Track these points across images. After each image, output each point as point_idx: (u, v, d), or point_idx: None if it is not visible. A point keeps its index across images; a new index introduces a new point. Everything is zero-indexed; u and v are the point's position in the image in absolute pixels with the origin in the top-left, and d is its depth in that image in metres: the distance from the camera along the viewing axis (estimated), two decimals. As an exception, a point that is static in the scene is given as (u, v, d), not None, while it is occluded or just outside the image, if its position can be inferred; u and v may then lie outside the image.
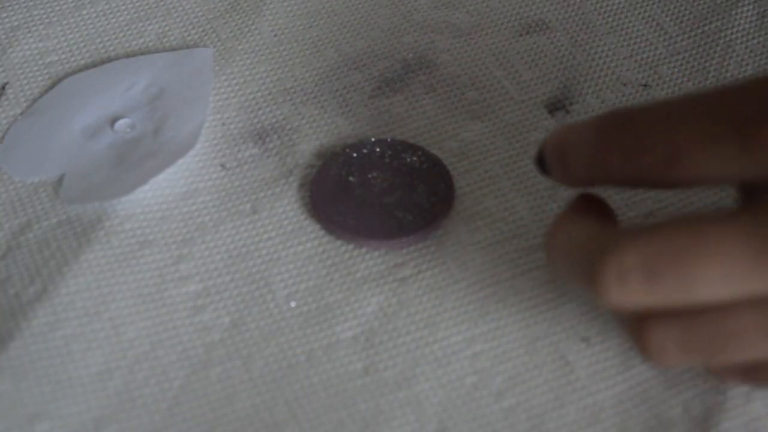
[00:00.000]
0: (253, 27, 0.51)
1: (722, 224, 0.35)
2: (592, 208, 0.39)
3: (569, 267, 0.37)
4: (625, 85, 0.49)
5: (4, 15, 0.51)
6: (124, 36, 0.51)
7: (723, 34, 0.50)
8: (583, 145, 0.38)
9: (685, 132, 0.36)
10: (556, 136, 0.39)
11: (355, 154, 0.46)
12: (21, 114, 0.48)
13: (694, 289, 0.35)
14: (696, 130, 0.36)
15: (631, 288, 0.35)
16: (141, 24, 0.51)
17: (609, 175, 0.38)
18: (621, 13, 0.51)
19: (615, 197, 0.44)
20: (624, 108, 0.38)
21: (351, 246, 0.44)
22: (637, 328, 0.36)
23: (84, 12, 0.51)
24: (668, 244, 0.35)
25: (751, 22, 0.51)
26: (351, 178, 0.45)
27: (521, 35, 0.50)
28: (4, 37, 0.50)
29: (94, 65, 0.49)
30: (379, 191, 0.45)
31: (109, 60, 0.50)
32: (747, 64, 0.49)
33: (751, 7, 0.51)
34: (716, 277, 0.34)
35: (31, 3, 0.52)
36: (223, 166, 0.46)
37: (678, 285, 0.35)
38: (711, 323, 0.35)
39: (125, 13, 0.52)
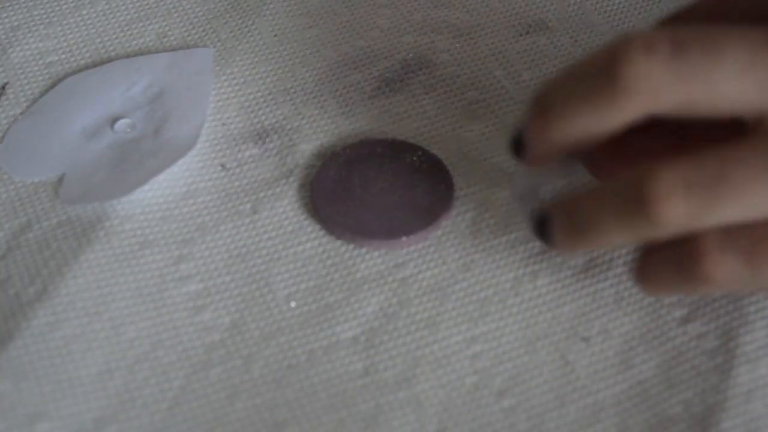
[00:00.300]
0: (253, 27, 0.51)
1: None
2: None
3: (606, 219, 0.37)
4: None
5: (5, 15, 0.51)
6: (124, 36, 0.51)
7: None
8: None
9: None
10: (536, 99, 0.39)
11: (355, 154, 0.46)
12: (21, 114, 0.48)
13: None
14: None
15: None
16: (141, 24, 0.51)
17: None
18: (621, 13, 0.51)
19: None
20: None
21: (351, 246, 0.44)
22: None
23: (84, 12, 0.51)
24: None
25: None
26: (351, 179, 0.45)
27: (521, 35, 0.51)
28: (4, 36, 0.50)
29: (94, 65, 0.49)
30: (379, 191, 0.45)
31: (110, 60, 0.50)
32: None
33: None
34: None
35: (32, 3, 0.52)
36: (223, 166, 0.46)
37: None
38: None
39: (125, 13, 0.52)
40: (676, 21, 0.41)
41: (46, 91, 0.48)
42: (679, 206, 0.35)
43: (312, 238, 0.44)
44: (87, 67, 0.49)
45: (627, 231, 0.37)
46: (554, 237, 0.39)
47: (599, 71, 0.36)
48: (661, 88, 0.36)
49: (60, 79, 0.49)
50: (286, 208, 0.45)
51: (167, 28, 0.51)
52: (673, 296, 0.42)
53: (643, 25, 0.51)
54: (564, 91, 0.38)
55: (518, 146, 0.40)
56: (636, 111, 0.36)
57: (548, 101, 0.38)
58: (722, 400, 0.40)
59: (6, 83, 0.49)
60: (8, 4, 0.52)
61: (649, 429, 0.39)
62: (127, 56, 0.50)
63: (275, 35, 0.51)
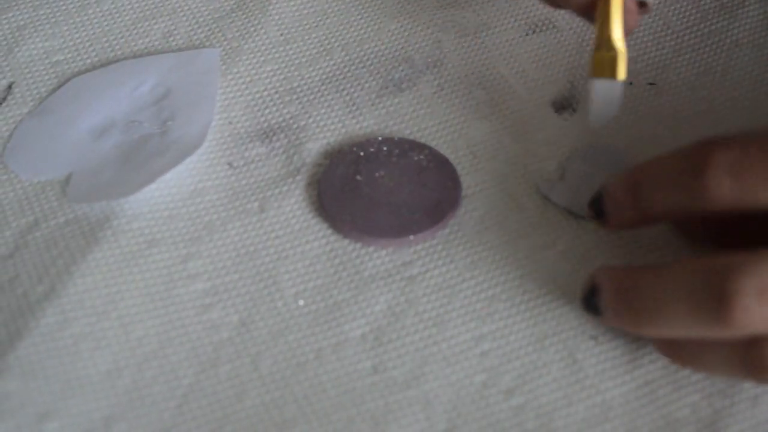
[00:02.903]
0: (260, 26, 0.51)
1: None
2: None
3: (675, 303, 0.37)
4: (631, 83, 0.49)
5: (11, 14, 0.51)
6: (130, 35, 0.51)
7: (729, 33, 0.50)
8: (673, 172, 0.38)
9: None
10: (623, 175, 0.40)
11: (362, 153, 0.46)
12: (28, 113, 0.48)
13: None
14: None
15: None
16: (147, 23, 0.51)
17: (705, 199, 0.37)
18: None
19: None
20: (724, 134, 0.37)
21: (358, 245, 0.44)
22: (758, 343, 0.36)
23: (90, 11, 0.51)
24: None
25: (757, 20, 0.51)
26: (358, 177, 0.45)
27: (528, 34, 0.51)
28: (10, 36, 0.50)
29: (100, 64, 0.49)
30: (387, 190, 0.45)
31: (116, 59, 0.50)
32: (753, 63, 0.49)
33: (757, 5, 0.51)
34: None
35: (37, 2, 0.52)
36: (230, 165, 0.46)
37: None
38: None
39: (131, 12, 0.52)
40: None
41: (53, 90, 0.48)
42: (758, 312, 0.35)
43: (319, 237, 0.44)
44: (93, 67, 0.49)
45: (696, 327, 0.37)
46: (603, 312, 0.40)
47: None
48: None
49: (66, 79, 0.49)
50: (293, 206, 0.45)
51: (173, 27, 0.51)
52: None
53: (650, 23, 0.51)
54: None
55: None
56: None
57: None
58: (729, 404, 0.40)
59: (12, 83, 0.49)
60: (14, 3, 0.52)
61: (657, 430, 0.39)
62: (133, 55, 0.50)
63: (281, 35, 0.51)
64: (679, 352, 0.39)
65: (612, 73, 0.44)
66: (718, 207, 0.38)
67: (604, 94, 0.44)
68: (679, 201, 0.38)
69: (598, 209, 0.42)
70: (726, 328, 0.35)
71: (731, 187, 0.37)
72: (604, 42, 0.43)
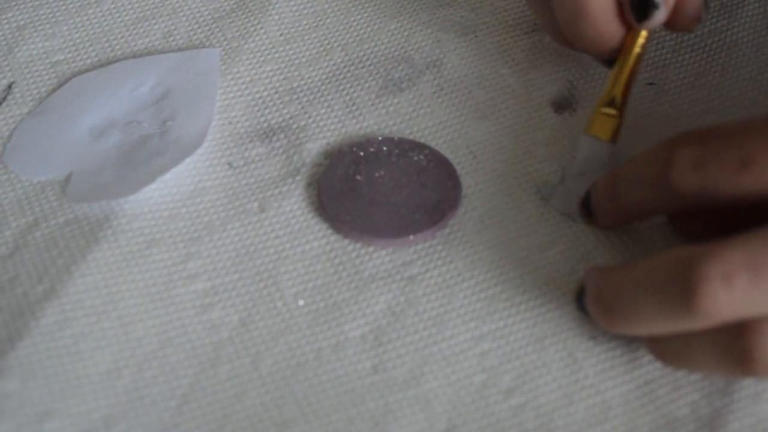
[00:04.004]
0: (260, 26, 0.51)
1: None
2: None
3: (645, 297, 0.37)
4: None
5: (11, 14, 0.51)
6: (130, 35, 0.51)
7: (729, 32, 0.50)
8: (643, 167, 0.39)
9: (754, 137, 0.36)
10: (608, 175, 0.41)
11: (362, 153, 0.46)
12: (28, 113, 0.48)
13: None
14: (765, 135, 0.36)
15: (738, 290, 0.35)
16: (147, 23, 0.51)
17: (670, 193, 0.38)
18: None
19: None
20: (687, 131, 0.38)
21: (358, 245, 0.44)
22: (739, 336, 0.36)
23: (90, 11, 0.51)
24: None
25: (756, 19, 0.51)
26: (358, 177, 0.45)
27: (527, 33, 0.51)
28: (10, 36, 0.50)
29: (100, 64, 0.49)
30: (387, 190, 0.45)
31: (116, 59, 0.50)
32: (752, 62, 0.49)
33: (756, 5, 0.51)
34: None
35: (37, 2, 0.52)
36: (230, 164, 0.46)
37: None
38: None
39: (131, 12, 0.52)
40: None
41: (53, 90, 0.49)
42: (724, 297, 0.35)
43: (319, 237, 0.44)
44: (93, 67, 0.49)
45: (667, 321, 0.37)
46: (588, 313, 0.40)
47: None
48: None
49: (66, 79, 0.49)
50: (293, 206, 0.45)
51: (173, 27, 0.51)
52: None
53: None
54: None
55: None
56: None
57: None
58: (729, 402, 0.40)
59: (12, 82, 0.49)
60: (14, 3, 0.52)
61: (657, 429, 0.39)
62: (133, 55, 0.50)
63: (281, 35, 0.51)
64: (666, 351, 0.39)
65: (605, 133, 0.44)
66: (685, 201, 0.38)
67: (592, 151, 0.44)
68: (650, 198, 0.39)
69: (588, 209, 0.42)
70: (694, 316, 0.36)
71: (694, 182, 0.38)
72: (610, 99, 0.44)
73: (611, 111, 0.44)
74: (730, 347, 0.37)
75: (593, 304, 0.39)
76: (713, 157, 0.37)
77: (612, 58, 0.45)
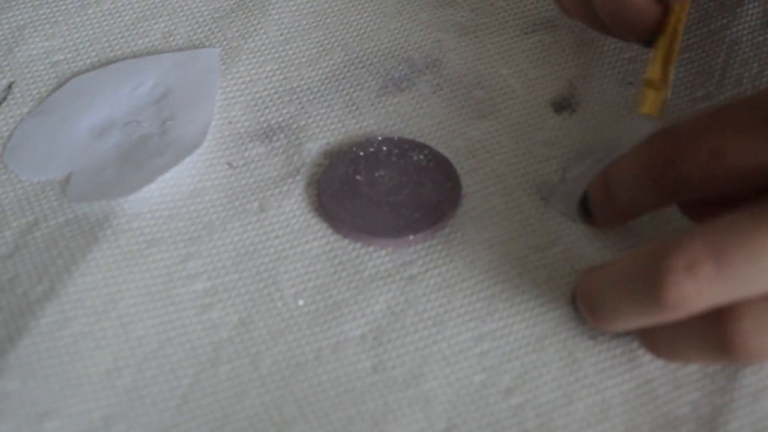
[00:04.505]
0: (259, 26, 0.51)
1: None
2: None
3: (619, 294, 0.37)
4: (631, 83, 0.49)
5: (11, 14, 0.51)
6: (129, 35, 0.51)
7: (728, 32, 0.50)
8: (629, 167, 0.40)
9: (726, 129, 0.37)
10: (599, 175, 0.42)
11: (362, 153, 0.46)
12: (28, 113, 0.48)
13: (763, 272, 0.35)
14: (735, 126, 0.37)
15: (703, 278, 0.35)
16: (147, 23, 0.51)
17: (653, 189, 0.39)
18: (626, 11, 0.51)
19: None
20: (664, 127, 0.39)
21: (358, 244, 0.44)
22: (721, 325, 0.36)
23: (90, 11, 0.51)
24: (734, 231, 0.35)
25: (756, 19, 0.51)
26: (358, 177, 0.45)
27: (527, 33, 0.51)
28: (10, 36, 0.51)
29: (100, 64, 0.49)
30: (386, 190, 0.45)
31: (116, 59, 0.50)
32: (752, 62, 0.49)
33: (756, 4, 0.51)
34: None
35: (37, 2, 0.52)
36: (230, 164, 0.46)
37: (750, 268, 0.35)
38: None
39: (131, 12, 0.52)
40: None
41: (53, 90, 0.49)
42: (691, 287, 0.36)
43: (319, 237, 0.44)
44: (93, 66, 0.49)
45: (641, 315, 0.37)
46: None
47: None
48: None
49: (66, 79, 0.49)
50: (293, 206, 0.45)
51: (173, 27, 0.51)
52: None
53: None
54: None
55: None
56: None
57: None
58: (729, 401, 0.40)
59: (12, 82, 0.49)
60: (14, 3, 0.52)
61: (657, 428, 0.39)
62: (133, 55, 0.50)
63: (281, 34, 0.51)
64: (656, 344, 0.40)
65: (656, 111, 0.45)
66: (672, 198, 0.39)
67: (645, 130, 0.44)
68: (641, 196, 0.40)
69: (586, 209, 0.43)
70: (666, 309, 0.36)
71: (671, 178, 0.38)
72: (661, 81, 0.45)
73: (662, 92, 0.45)
74: (711, 336, 0.37)
75: (580, 305, 0.40)
76: (685, 152, 0.38)
77: (649, 38, 0.45)
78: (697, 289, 0.35)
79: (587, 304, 0.39)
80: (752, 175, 0.37)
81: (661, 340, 0.39)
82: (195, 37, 0.51)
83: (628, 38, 0.46)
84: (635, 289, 0.37)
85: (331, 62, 0.50)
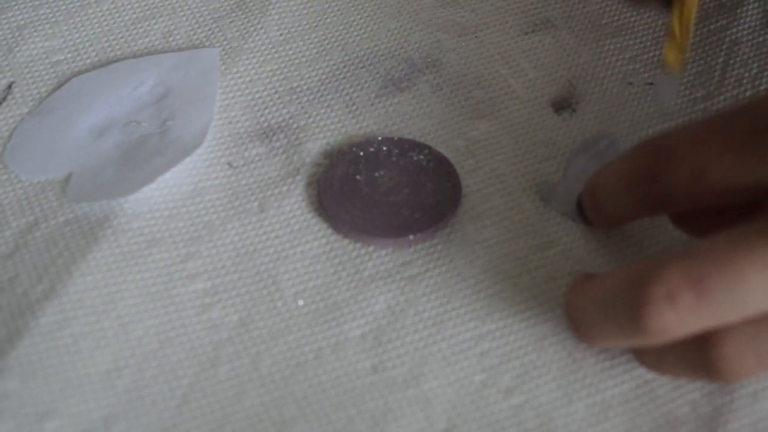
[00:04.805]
0: (259, 26, 0.51)
1: (761, 228, 0.35)
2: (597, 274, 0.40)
3: (602, 316, 0.38)
4: (631, 83, 0.49)
5: (11, 14, 0.51)
6: (130, 35, 0.51)
7: (728, 32, 0.50)
8: (613, 179, 0.40)
9: (708, 147, 0.37)
10: (588, 182, 0.42)
11: (361, 153, 0.46)
12: (28, 113, 0.48)
13: (748, 297, 0.35)
14: (717, 144, 0.37)
15: (683, 307, 0.35)
16: (147, 23, 0.51)
17: (638, 202, 0.39)
18: (626, 11, 0.51)
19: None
20: (648, 138, 0.39)
21: (358, 244, 0.44)
22: (704, 349, 0.36)
23: (90, 11, 0.51)
24: (712, 257, 0.35)
25: (756, 19, 0.51)
26: (358, 177, 0.45)
27: (527, 33, 0.51)
28: (10, 36, 0.50)
29: (100, 64, 0.49)
30: (386, 190, 0.45)
31: (116, 59, 0.50)
32: (752, 62, 0.49)
33: (756, 4, 0.51)
34: (763, 282, 0.35)
35: (37, 2, 0.52)
36: (230, 164, 0.46)
37: (730, 295, 0.35)
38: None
39: (131, 12, 0.52)
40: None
41: (53, 90, 0.49)
42: (672, 316, 0.36)
43: (319, 237, 0.44)
44: (93, 66, 0.49)
45: (623, 337, 0.38)
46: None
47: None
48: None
49: (66, 78, 0.49)
50: (293, 206, 0.45)
51: (173, 27, 0.51)
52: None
53: (648, 23, 0.51)
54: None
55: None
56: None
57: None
58: (729, 401, 0.40)
59: (12, 82, 0.49)
60: (14, 3, 0.52)
61: (657, 428, 0.39)
62: (133, 55, 0.50)
63: (281, 34, 0.51)
64: (646, 359, 0.40)
65: (677, 66, 0.46)
66: (656, 210, 0.40)
67: (670, 89, 0.46)
68: (626, 206, 0.40)
69: (582, 211, 0.43)
70: (646, 335, 0.36)
71: (654, 193, 0.39)
72: (680, 37, 0.45)
73: (683, 54, 0.46)
74: (694, 359, 0.37)
75: (567, 318, 0.40)
76: (667, 169, 0.38)
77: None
78: (677, 317, 0.35)
79: (572, 321, 0.39)
80: (734, 193, 0.37)
81: (648, 356, 0.40)
82: (195, 37, 0.51)
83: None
84: (617, 314, 0.37)
85: (331, 62, 0.50)
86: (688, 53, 0.46)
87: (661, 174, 0.38)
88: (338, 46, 0.50)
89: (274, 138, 0.47)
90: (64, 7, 0.52)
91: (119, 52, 0.50)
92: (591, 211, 0.42)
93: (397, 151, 0.46)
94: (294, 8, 0.52)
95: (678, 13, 0.45)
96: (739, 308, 0.35)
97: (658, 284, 0.35)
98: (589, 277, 0.40)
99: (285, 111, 0.48)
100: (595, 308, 0.38)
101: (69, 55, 0.50)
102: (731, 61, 0.49)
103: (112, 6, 0.52)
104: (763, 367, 0.37)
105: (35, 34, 0.51)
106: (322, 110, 0.48)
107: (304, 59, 0.50)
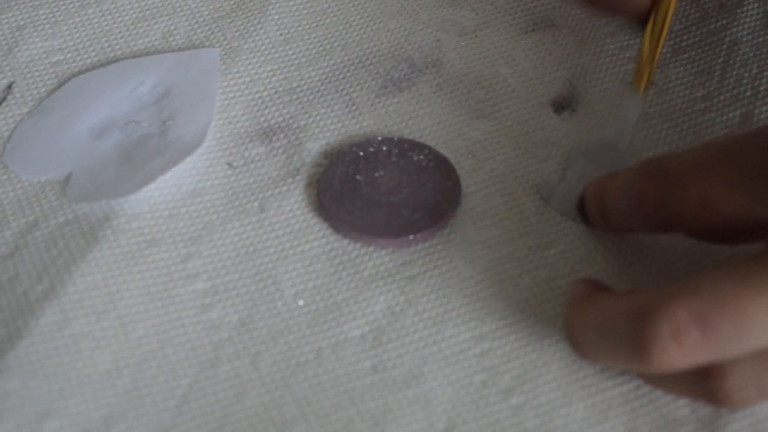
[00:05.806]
0: (259, 26, 0.51)
1: (766, 264, 0.35)
2: (598, 285, 0.40)
3: (603, 342, 0.38)
4: (630, 83, 0.49)
5: (10, 14, 0.51)
6: (129, 35, 0.51)
7: (728, 33, 0.50)
8: (621, 196, 0.40)
9: (713, 177, 0.37)
10: (595, 186, 0.42)
11: (361, 153, 0.46)
12: (28, 113, 0.48)
13: (752, 334, 0.35)
14: (722, 175, 0.37)
15: (689, 345, 0.35)
16: (147, 23, 0.51)
17: (646, 221, 0.39)
18: (626, 11, 0.51)
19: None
20: (656, 158, 0.39)
21: (358, 244, 0.44)
22: (708, 380, 0.37)
23: (90, 11, 0.51)
24: (717, 293, 0.35)
25: (756, 20, 0.51)
26: (358, 177, 0.45)
27: (527, 33, 0.51)
28: (10, 36, 0.50)
29: (100, 64, 0.49)
30: (386, 190, 0.45)
31: (116, 59, 0.50)
32: (752, 63, 0.49)
33: (756, 5, 0.51)
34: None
35: (37, 2, 0.52)
36: (230, 164, 0.46)
37: (735, 333, 0.35)
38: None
39: (131, 12, 0.52)
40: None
41: (53, 90, 0.49)
42: (676, 352, 0.36)
43: (319, 237, 0.44)
44: (93, 66, 0.49)
45: (625, 364, 0.38)
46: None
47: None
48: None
49: (66, 79, 0.49)
50: (293, 206, 0.45)
51: (173, 27, 0.51)
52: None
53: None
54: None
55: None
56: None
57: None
58: (729, 402, 0.40)
59: (12, 82, 0.49)
60: (13, 3, 0.52)
61: (657, 430, 0.39)
62: (133, 55, 0.50)
63: (281, 34, 0.51)
64: (646, 378, 0.40)
65: (639, 84, 0.46)
66: (664, 229, 0.40)
67: (634, 107, 0.46)
68: (634, 221, 0.40)
69: (582, 212, 0.43)
70: (649, 367, 0.36)
71: (661, 217, 0.39)
72: (647, 57, 0.46)
73: (644, 64, 0.46)
74: (698, 387, 0.37)
75: (566, 335, 0.40)
76: (674, 196, 0.38)
77: (645, 19, 0.46)
78: (682, 354, 0.35)
79: (571, 339, 0.39)
80: (742, 222, 0.37)
81: (651, 378, 0.40)
82: (195, 37, 0.51)
83: (623, 16, 0.47)
84: (620, 344, 0.37)
85: (331, 62, 0.50)
86: (653, 75, 0.46)
87: (669, 200, 0.38)
88: (338, 46, 0.50)
89: (274, 138, 0.47)
90: (64, 7, 0.52)
91: (119, 52, 0.50)
92: (596, 218, 0.42)
93: (397, 151, 0.46)
94: (294, 8, 0.52)
95: (650, 32, 0.46)
96: (744, 344, 0.35)
97: (662, 321, 0.35)
98: (589, 289, 0.40)
99: (285, 111, 0.48)
100: (596, 334, 0.38)
101: (69, 55, 0.50)
102: (731, 61, 0.49)
103: (112, 6, 0.52)
104: (765, 398, 0.37)
105: (35, 34, 0.51)
106: (322, 110, 0.48)
107: (304, 59, 0.50)
